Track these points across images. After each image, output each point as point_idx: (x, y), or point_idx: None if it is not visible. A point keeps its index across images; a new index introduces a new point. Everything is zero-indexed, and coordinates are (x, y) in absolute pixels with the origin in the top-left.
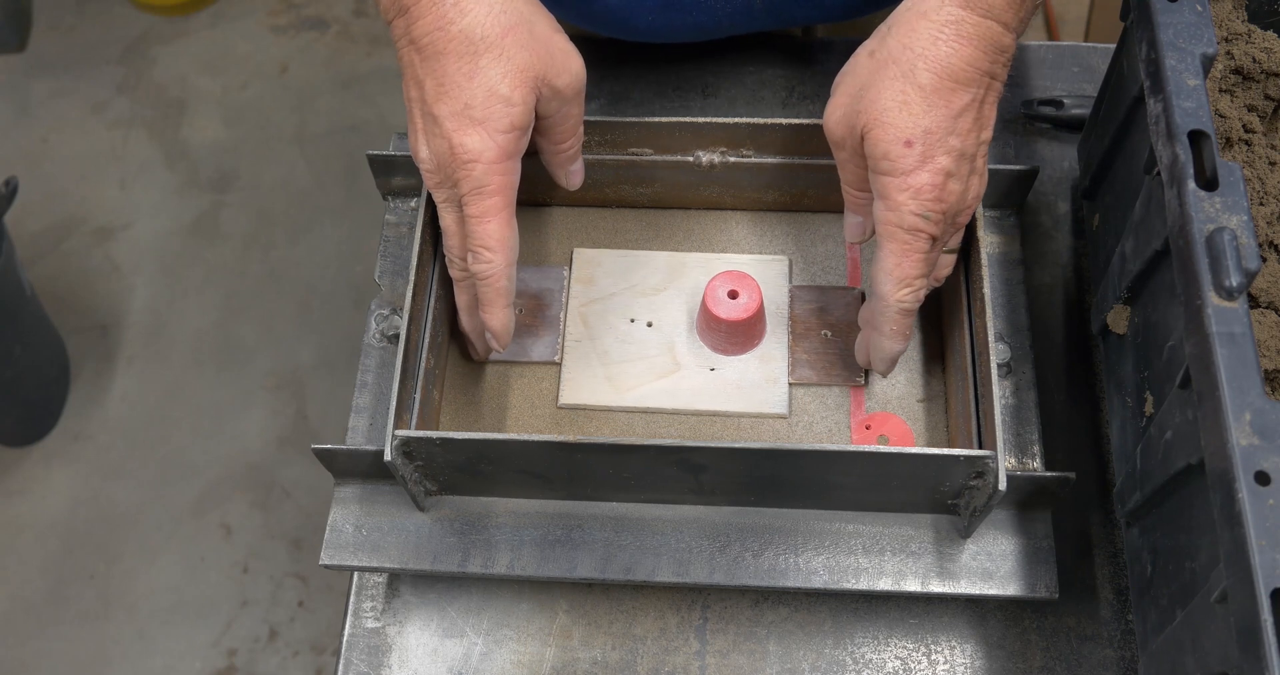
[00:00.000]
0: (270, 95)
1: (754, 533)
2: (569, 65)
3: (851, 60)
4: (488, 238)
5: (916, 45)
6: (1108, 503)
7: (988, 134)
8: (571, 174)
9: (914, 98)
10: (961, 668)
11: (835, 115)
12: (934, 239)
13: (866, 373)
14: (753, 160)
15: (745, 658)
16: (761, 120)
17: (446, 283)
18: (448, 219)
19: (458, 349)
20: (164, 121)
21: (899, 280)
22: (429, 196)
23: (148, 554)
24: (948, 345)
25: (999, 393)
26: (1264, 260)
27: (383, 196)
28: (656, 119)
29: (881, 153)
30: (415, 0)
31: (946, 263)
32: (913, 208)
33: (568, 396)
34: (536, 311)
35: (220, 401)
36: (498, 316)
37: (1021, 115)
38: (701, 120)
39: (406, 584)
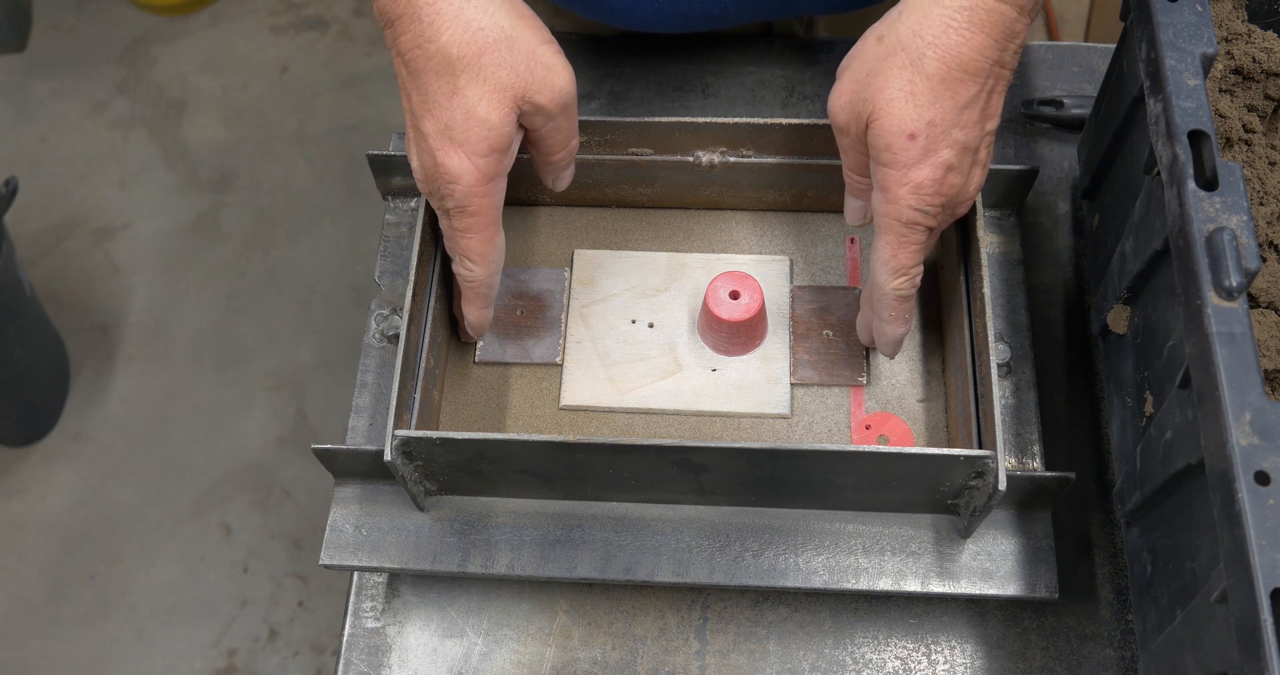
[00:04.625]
0: (270, 95)
1: (754, 533)
2: (551, 81)
3: (859, 44)
4: (470, 251)
5: (928, 32)
6: (1108, 503)
7: (993, 124)
8: (560, 180)
9: (921, 88)
10: (961, 668)
11: (840, 101)
12: (931, 229)
13: (868, 372)
14: (753, 160)
15: (745, 658)
16: (761, 120)
17: (446, 283)
18: (441, 222)
19: (458, 348)
20: (164, 121)
21: (895, 270)
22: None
23: (148, 554)
24: (948, 345)
25: (999, 393)
26: (1264, 260)
27: (383, 196)
28: (656, 119)
29: (884, 144)
30: (399, 15)
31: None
32: (911, 202)
33: (569, 397)
34: (537, 313)
35: (220, 401)
36: (473, 313)
37: (1021, 115)
38: (701, 120)
39: (406, 584)
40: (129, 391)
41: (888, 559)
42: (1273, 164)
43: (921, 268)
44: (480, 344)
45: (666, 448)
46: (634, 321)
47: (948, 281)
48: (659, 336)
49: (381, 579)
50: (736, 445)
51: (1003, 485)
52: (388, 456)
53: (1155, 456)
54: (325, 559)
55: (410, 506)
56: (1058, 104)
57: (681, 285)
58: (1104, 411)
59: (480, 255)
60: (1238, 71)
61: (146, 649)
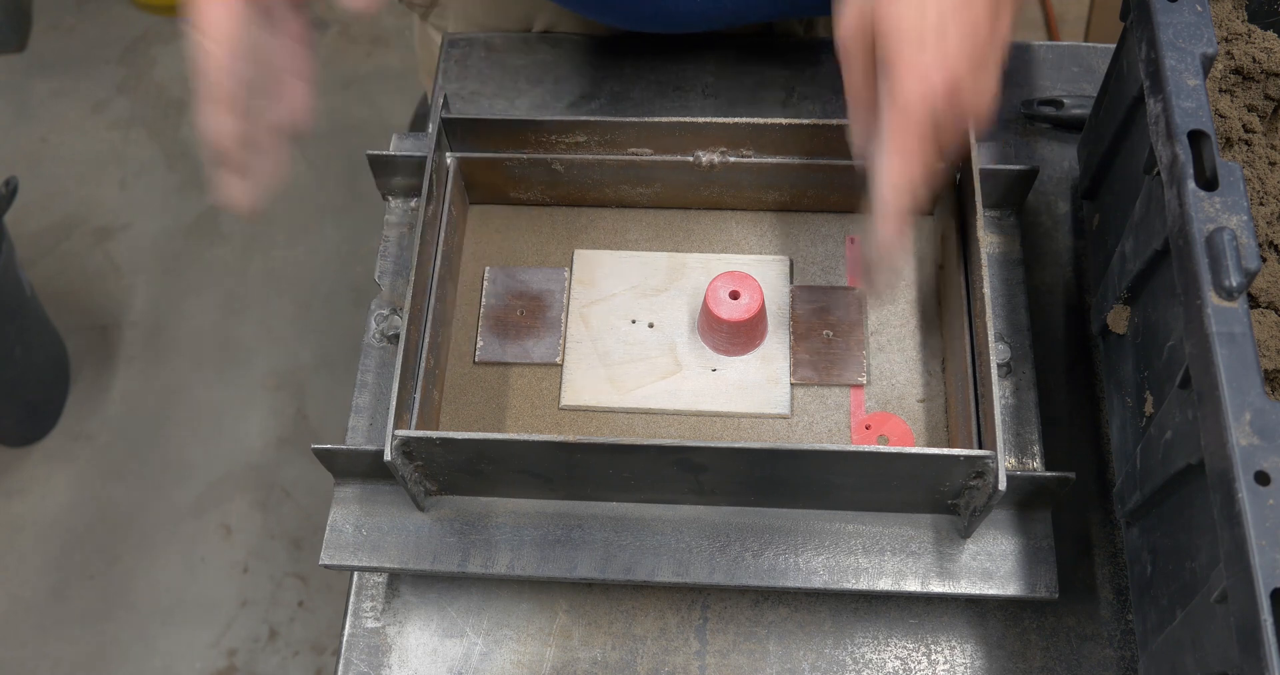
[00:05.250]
0: None
1: (754, 533)
2: None
3: None
4: (203, 22)
5: None
6: (1108, 503)
7: (1005, 29)
8: None
9: None
10: (961, 668)
11: (848, 18)
12: (937, 132)
13: (868, 372)
14: (753, 160)
15: (745, 658)
16: (761, 120)
17: (447, 283)
18: None
19: (458, 348)
20: (164, 121)
21: (895, 178)
22: (429, 197)
23: (148, 554)
24: (948, 345)
25: (999, 393)
26: (1264, 260)
27: (383, 196)
28: (656, 119)
29: (890, 29)
30: None
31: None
32: (919, 90)
33: (569, 398)
34: (537, 312)
35: (220, 401)
36: (209, 118)
37: (1021, 115)
38: (701, 120)
39: (406, 584)
40: (129, 391)
41: (888, 559)
42: (1273, 164)
43: (921, 181)
44: (480, 343)
45: (666, 448)
46: (634, 321)
47: (948, 281)
48: (659, 336)
49: (381, 579)
50: (736, 445)
51: (1003, 485)
52: (388, 456)
53: (1155, 456)
54: (325, 559)
55: (410, 506)
56: (1058, 104)
57: (681, 285)
58: (1104, 411)
59: (214, 24)
60: (1238, 71)
61: (146, 649)
